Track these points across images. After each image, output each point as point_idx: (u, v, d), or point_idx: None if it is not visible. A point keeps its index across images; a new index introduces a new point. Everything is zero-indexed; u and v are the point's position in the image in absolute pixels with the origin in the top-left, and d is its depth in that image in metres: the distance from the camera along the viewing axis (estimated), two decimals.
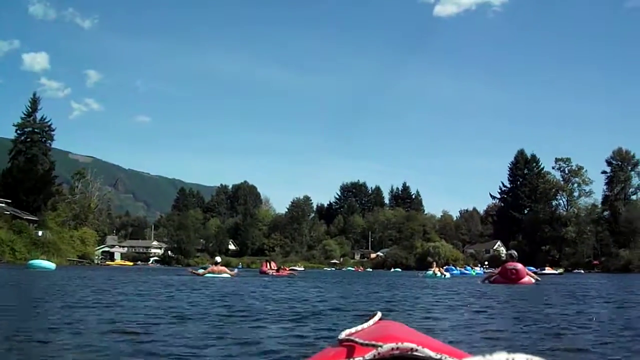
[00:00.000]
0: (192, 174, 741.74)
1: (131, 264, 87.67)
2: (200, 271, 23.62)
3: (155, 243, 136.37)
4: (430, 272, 33.61)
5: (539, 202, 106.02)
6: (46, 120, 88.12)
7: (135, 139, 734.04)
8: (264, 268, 33.31)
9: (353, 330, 1.27)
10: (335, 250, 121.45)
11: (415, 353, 1.03)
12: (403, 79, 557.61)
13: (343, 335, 1.20)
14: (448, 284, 19.06)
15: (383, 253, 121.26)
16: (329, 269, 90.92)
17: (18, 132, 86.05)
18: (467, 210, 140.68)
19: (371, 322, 1.39)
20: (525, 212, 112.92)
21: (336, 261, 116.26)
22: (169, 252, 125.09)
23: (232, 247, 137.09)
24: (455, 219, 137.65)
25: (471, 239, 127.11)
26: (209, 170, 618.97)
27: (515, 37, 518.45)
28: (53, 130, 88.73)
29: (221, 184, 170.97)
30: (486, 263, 62.49)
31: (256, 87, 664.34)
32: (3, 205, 65.09)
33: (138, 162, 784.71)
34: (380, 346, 1.05)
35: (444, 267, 39.12)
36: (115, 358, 3.69)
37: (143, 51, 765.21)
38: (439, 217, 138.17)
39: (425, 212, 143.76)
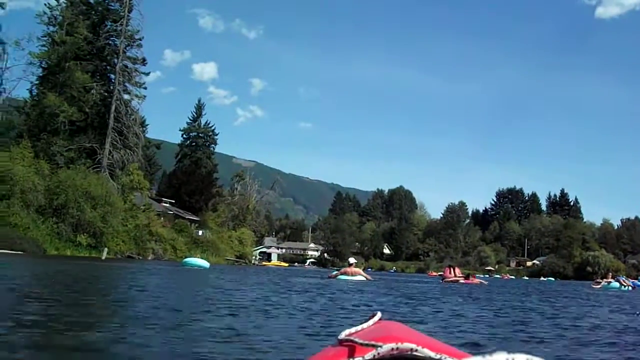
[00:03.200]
0: (349, 178, 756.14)
1: (286, 265, 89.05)
2: (334, 273, 21.77)
3: (312, 245, 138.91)
4: (616, 284, 30.45)
5: None
6: (210, 125, 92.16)
7: (296, 144, 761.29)
8: (447, 274, 29.22)
9: (353, 330, 1.26)
10: (491, 257, 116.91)
11: (415, 353, 1.03)
12: (562, 82, 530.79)
13: (343, 335, 1.19)
14: None
15: (539, 261, 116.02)
16: (482, 276, 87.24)
17: (184, 136, 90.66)
18: (629, 219, 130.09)
19: (371, 322, 1.37)
20: None
21: (491, 268, 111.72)
22: (325, 254, 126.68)
23: (386, 251, 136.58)
24: (616, 227, 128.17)
25: (633, 248, 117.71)
26: (365, 175, 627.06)
27: None
28: (216, 135, 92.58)
29: (377, 189, 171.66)
30: None
31: (414, 94, 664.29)
32: (167, 205, 68.52)
33: (298, 166, 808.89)
34: (380, 346, 1.05)
35: (615, 278, 34.59)
36: None
37: (305, 59, 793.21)
38: (599, 225, 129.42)
39: (584, 220, 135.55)
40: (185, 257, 40.98)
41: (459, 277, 28.05)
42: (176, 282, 12.90)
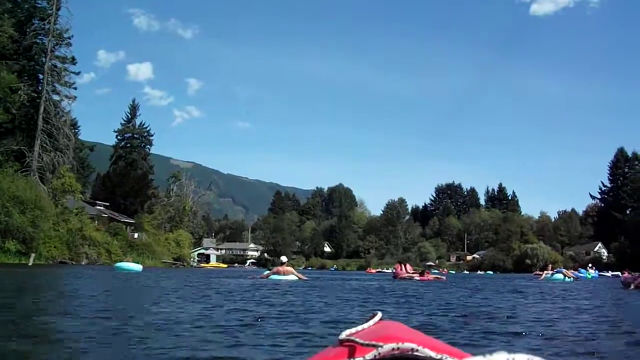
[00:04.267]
0: (288, 177, 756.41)
1: (225, 266, 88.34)
2: (265, 273, 21.08)
3: (252, 245, 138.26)
4: (560, 276, 30.69)
5: None
6: (145, 126, 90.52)
7: (235, 144, 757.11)
8: (399, 271, 27.07)
9: (354, 330, 1.25)
10: (431, 253, 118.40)
11: (415, 353, 1.03)
12: (498, 79, 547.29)
13: (344, 335, 1.19)
14: (605, 293, 16.18)
15: (479, 255, 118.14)
16: (437, 272, 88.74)
17: (118, 137, 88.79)
18: (565, 211, 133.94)
19: (372, 322, 1.37)
20: (628, 212, 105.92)
21: (432, 263, 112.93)
22: (265, 254, 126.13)
23: (327, 249, 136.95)
24: (553, 220, 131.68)
25: (570, 240, 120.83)
26: (305, 173, 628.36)
27: (614, 33, 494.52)
28: (152, 136, 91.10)
29: (317, 187, 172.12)
30: (590, 265, 58.55)
31: (351, 90, 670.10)
32: (101, 208, 66.88)
33: (237, 166, 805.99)
34: (381, 346, 1.05)
35: (555, 270, 34.73)
36: None
37: (241, 58, 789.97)
38: (537, 218, 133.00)
39: (522, 213, 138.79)
40: (118, 262, 39.92)
41: (413, 273, 26.60)
42: (86, 289, 12.36)
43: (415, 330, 1.31)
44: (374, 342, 1.08)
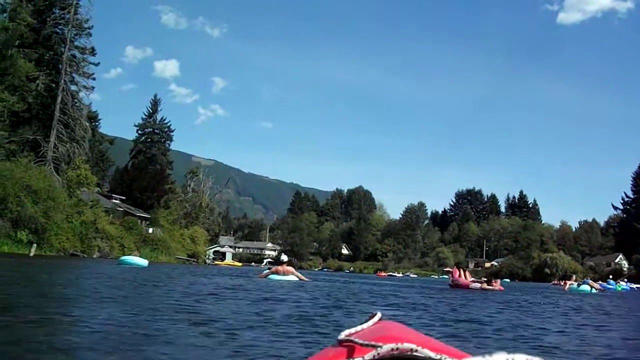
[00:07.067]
0: (309, 178, 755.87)
1: (240, 264, 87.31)
2: (264, 272, 19.81)
3: (269, 245, 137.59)
4: (586, 287, 28.89)
5: None
6: (166, 121, 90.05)
7: (257, 143, 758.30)
8: (459, 278, 23.17)
9: (353, 330, 1.24)
10: (449, 258, 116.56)
11: (415, 353, 1.02)
12: (523, 87, 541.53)
13: (343, 335, 1.18)
14: None
15: (498, 262, 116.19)
16: (436, 277, 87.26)
17: (139, 132, 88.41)
18: (586, 221, 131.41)
19: (371, 322, 1.35)
20: None
21: (449, 269, 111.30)
22: (282, 253, 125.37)
23: (345, 251, 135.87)
24: (574, 229, 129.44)
25: (591, 251, 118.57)
26: (325, 174, 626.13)
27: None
28: (172, 131, 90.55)
29: (336, 189, 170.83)
30: (610, 276, 56.51)
31: (374, 94, 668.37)
32: (117, 201, 66.25)
33: (258, 166, 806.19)
34: (380, 347, 1.04)
35: (583, 281, 32.42)
36: None
37: (267, 59, 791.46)
38: (557, 227, 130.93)
39: (543, 222, 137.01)
40: (123, 256, 38.80)
41: (477, 281, 23.16)
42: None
43: (414, 330, 1.29)
44: (373, 343, 1.06)
